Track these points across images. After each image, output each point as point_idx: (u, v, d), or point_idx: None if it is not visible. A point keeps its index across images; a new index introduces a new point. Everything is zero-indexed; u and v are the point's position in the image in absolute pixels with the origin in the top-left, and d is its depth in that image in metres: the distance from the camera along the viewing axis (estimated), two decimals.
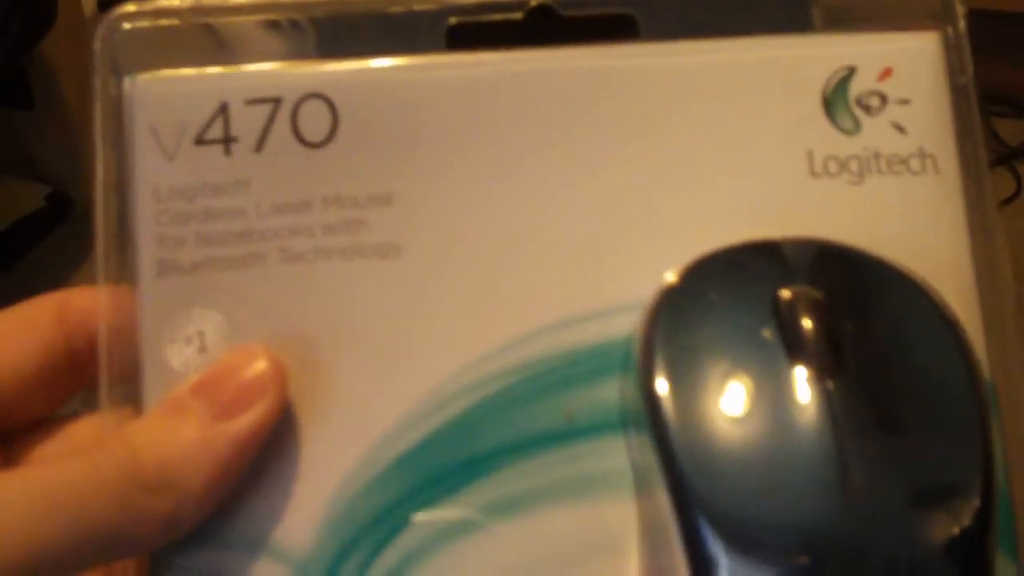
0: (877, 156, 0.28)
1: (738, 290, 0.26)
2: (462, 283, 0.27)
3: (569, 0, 0.29)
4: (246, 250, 0.27)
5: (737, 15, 0.30)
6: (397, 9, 0.29)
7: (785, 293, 0.25)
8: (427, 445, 0.26)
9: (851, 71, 0.29)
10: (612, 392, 0.27)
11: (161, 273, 0.27)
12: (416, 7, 0.29)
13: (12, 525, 0.23)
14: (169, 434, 0.25)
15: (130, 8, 0.28)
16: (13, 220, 0.62)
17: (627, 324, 0.27)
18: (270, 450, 0.26)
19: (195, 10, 0.28)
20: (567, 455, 0.26)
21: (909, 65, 0.29)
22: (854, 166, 0.28)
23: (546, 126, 0.28)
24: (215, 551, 0.26)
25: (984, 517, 0.23)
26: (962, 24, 0.29)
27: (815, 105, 0.29)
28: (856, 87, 0.29)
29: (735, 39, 0.29)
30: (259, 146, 0.28)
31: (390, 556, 0.26)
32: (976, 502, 0.23)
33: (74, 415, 0.29)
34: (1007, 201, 0.95)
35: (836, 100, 0.29)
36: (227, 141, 0.28)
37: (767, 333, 0.25)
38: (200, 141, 0.28)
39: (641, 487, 0.26)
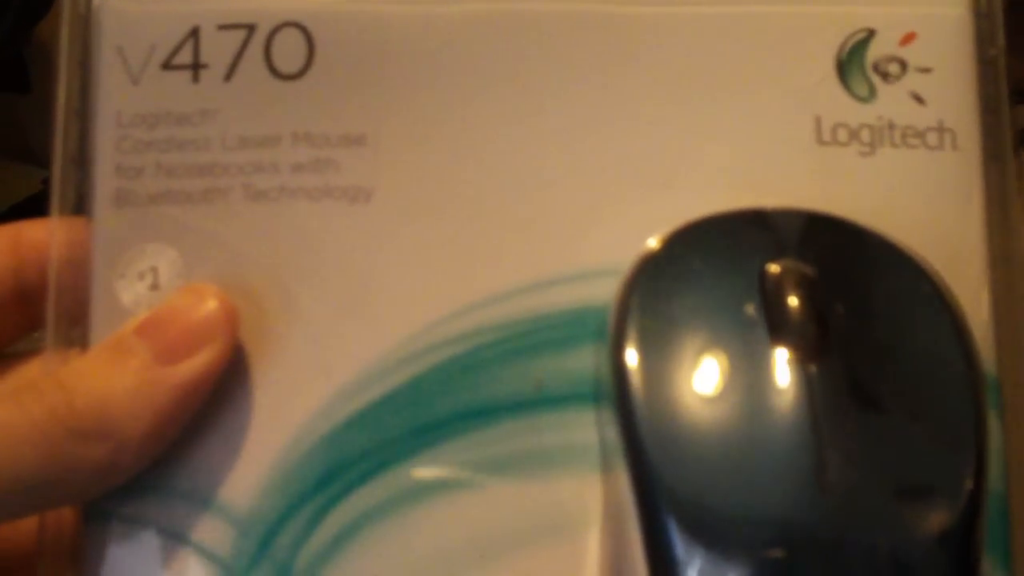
0: (891, 127, 0.26)
1: (724, 261, 0.24)
2: (434, 234, 0.26)
3: None
4: (208, 184, 0.26)
5: None
6: None
7: (773, 268, 0.23)
8: (385, 403, 0.25)
9: (870, 33, 0.27)
10: (587, 361, 0.25)
11: (117, 203, 0.26)
12: None
13: None
14: (108, 377, 0.23)
15: None
16: (10, 204, 0.61)
17: (608, 289, 0.25)
18: (218, 398, 0.25)
19: None
20: (531, 425, 0.25)
21: (934, 31, 0.27)
22: (865, 135, 0.26)
23: (537, 72, 0.26)
24: (153, 501, 0.24)
25: (968, 518, 0.22)
26: None
27: (828, 67, 0.27)
28: (874, 51, 0.27)
29: None
30: (229, 75, 0.26)
31: (335, 519, 0.24)
32: (960, 502, 0.22)
33: (29, 353, 0.28)
34: None
35: (851, 63, 0.27)
36: (196, 67, 0.26)
37: (750, 309, 0.23)
38: (167, 65, 0.26)
39: (607, 466, 0.24)
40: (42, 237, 0.26)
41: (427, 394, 0.25)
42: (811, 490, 0.21)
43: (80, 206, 0.26)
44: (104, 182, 0.26)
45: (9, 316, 0.27)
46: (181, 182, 0.26)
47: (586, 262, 0.25)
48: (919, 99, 0.27)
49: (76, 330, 0.25)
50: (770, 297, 0.23)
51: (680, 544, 0.21)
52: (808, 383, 0.22)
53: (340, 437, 0.25)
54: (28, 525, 0.24)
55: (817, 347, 0.22)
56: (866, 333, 0.23)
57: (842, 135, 0.26)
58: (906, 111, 0.26)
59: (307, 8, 0.26)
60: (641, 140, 0.26)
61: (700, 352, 0.23)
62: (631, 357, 0.23)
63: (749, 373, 0.22)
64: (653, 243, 0.25)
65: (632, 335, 0.23)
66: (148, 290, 0.25)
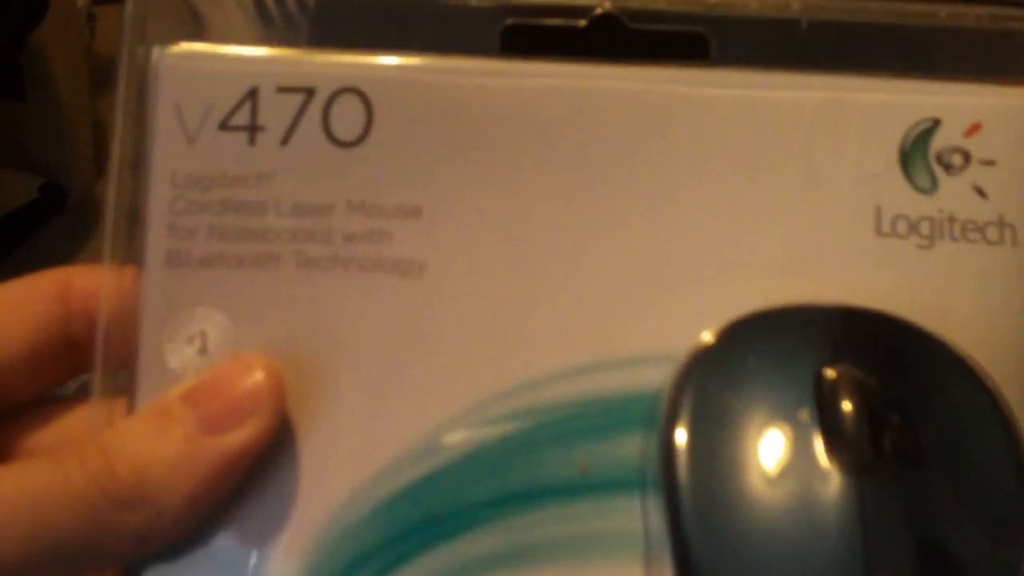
0: (951, 220, 0.26)
1: (779, 361, 0.24)
2: (485, 312, 0.25)
3: (639, 12, 0.27)
4: (260, 250, 0.25)
5: (817, 46, 0.27)
6: (452, 0, 0.27)
7: (829, 372, 0.23)
8: (427, 484, 0.25)
9: (935, 123, 0.26)
10: (633, 448, 0.25)
11: (169, 264, 0.25)
12: (473, 2, 0.27)
13: None
14: (150, 444, 0.23)
15: None
16: (6, 212, 0.62)
17: (657, 376, 0.25)
18: (262, 469, 0.24)
19: None
20: (575, 512, 0.24)
21: (1001, 122, 0.26)
22: (925, 228, 0.26)
23: (597, 151, 0.26)
24: (190, 570, 0.24)
25: None
26: None
27: (891, 157, 0.26)
28: (938, 141, 0.26)
29: (812, 74, 0.27)
30: (286, 139, 0.26)
31: None
32: None
33: (76, 398, 0.28)
34: None
35: (915, 154, 0.26)
36: (253, 129, 0.26)
37: (805, 414, 0.23)
38: (224, 126, 0.26)
39: (649, 556, 0.24)
40: (91, 285, 0.26)
41: (471, 475, 0.25)
42: None
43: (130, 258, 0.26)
44: (156, 242, 0.26)
45: (57, 361, 0.27)
46: (233, 246, 0.25)
47: (637, 348, 0.25)
48: (981, 192, 0.26)
49: (123, 374, 0.25)
50: (825, 403, 0.23)
51: None
52: (860, 497, 0.22)
53: (381, 516, 0.24)
54: None
55: (871, 459, 0.22)
56: (919, 446, 0.23)
57: (901, 227, 0.26)
58: (967, 204, 0.26)
59: (367, 74, 0.26)
60: (698, 225, 0.26)
61: (752, 454, 0.23)
62: (680, 456, 0.23)
63: (801, 481, 0.22)
64: (708, 336, 0.24)
65: (682, 432, 0.23)
66: (196, 355, 0.25)
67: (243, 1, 0.33)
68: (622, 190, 0.26)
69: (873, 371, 0.23)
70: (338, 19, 0.27)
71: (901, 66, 0.27)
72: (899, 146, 0.26)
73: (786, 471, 0.22)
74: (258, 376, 0.24)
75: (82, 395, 0.27)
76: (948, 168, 0.26)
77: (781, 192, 0.26)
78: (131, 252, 0.26)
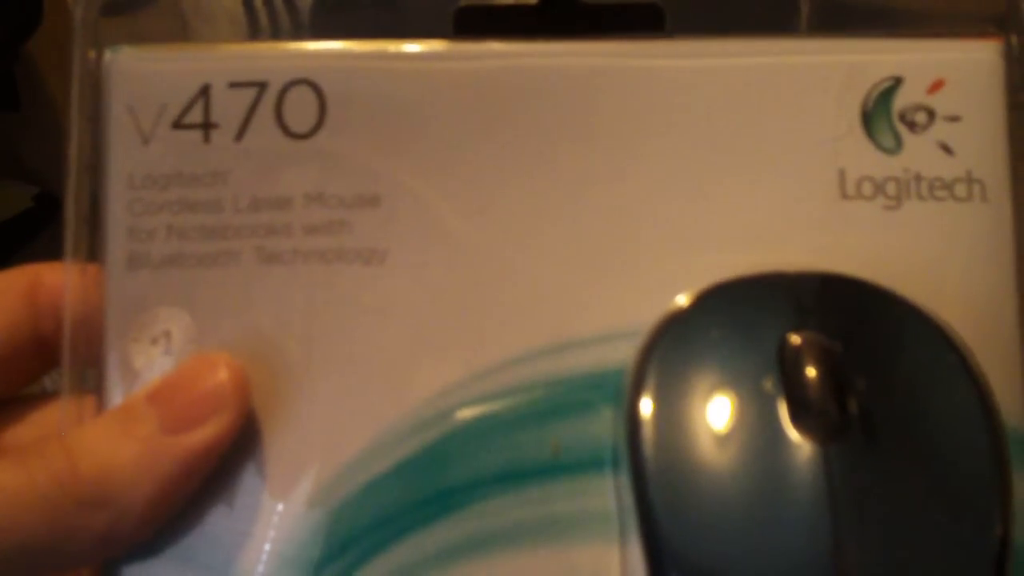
0: (918, 179, 0.26)
1: (744, 328, 0.23)
2: (449, 296, 0.25)
3: None
4: (220, 247, 0.25)
5: (774, 10, 0.27)
6: None
7: (794, 338, 0.23)
8: (399, 472, 0.24)
9: (897, 81, 0.26)
10: (605, 426, 0.25)
11: (131, 267, 0.25)
12: None
13: None
14: (113, 444, 0.23)
15: None
16: (0, 221, 0.61)
17: (627, 351, 0.25)
18: (228, 465, 0.24)
19: None
20: (548, 493, 0.24)
21: (963, 77, 0.26)
22: (891, 189, 0.26)
23: (552, 129, 0.26)
24: (157, 567, 0.24)
25: None
26: None
27: (854, 118, 0.26)
28: (901, 100, 0.26)
29: (769, 39, 0.26)
30: (240, 134, 0.26)
31: None
32: None
33: (48, 396, 0.27)
34: None
35: (877, 114, 0.26)
36: (207, 127, 0.26)
37: (769, 382, 0.22)
38: (178, 125, 0.26)
39: (624, 534, 0.24)
40: (61, 281, 0.26)
41: (441, 461, 0.24)
42: (826, 573, 0.21)
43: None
44: (117, 245, 0.25)
45: (27, 359, 0.27)
46: (193, 245, 0.25)
47: (604, 324, 0.25)
48: (947, 149, 0.26)
49: (92, 371, 0.25)
50: (790, 371, 0.22)
51: None
52: (826, 464, 0.21)
53: (352, 506, 0.24)
54: None
55: (836, 426, 0.22)
56: (886, 409, 0.22)
57: (867, 189, 0.25)
58: (934, 162, 0.26)
59: (318, 64, 0.26)
60: (660, 198, 0.25)
61: (717, 424, 0.22)
62: (646, 419, 0.23)
63: (767, 449, 0.22)
64: (672, 307, 0.24)
65: (647, 405, 0.23)
66: (162, 355, 0.25)
67: (236, 17, 0.33)
68: (581, 167, 0.26)
69: (839, 336, 0.23)
70: (332, 33, 0.26)
71: (860, 25, 0.27)
72: (861, 107, 0.26)
73: (752, 440, 0.22)
74: (221, 374, 0.24)
75: (54, 393, 0.27)
76: (912, 126, 0.26)
77: (743, 161, 0.26)
78: (94, 252, 0.26)
